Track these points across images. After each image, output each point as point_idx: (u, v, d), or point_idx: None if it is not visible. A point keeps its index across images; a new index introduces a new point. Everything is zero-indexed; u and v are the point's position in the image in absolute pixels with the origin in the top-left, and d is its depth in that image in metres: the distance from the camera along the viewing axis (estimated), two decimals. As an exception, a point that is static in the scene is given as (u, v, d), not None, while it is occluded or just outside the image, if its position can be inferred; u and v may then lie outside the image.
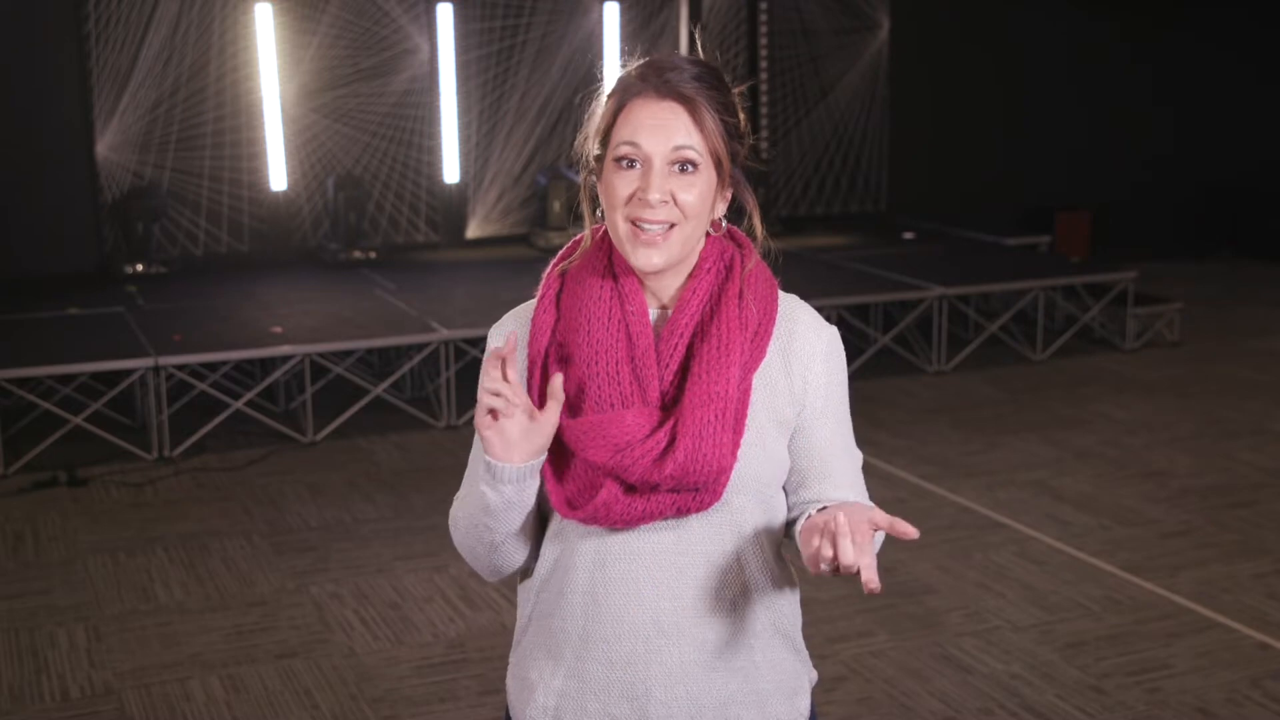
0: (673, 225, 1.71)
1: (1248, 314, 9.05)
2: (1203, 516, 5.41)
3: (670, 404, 1.73)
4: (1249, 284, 10.06)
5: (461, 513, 1.83)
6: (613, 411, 1.70)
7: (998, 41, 10.05)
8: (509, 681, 1.92)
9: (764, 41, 9.36)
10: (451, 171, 8.76)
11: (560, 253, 1.86)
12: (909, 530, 1.56)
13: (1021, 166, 10.26)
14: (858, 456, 1.88)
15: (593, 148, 1.77)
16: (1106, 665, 4.15)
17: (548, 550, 1.82)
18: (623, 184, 1.72)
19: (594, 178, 1.79)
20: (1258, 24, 10.76)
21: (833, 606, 4.49)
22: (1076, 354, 7.95)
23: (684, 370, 1.73)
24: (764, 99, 9.41)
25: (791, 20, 9.54)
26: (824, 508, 1.77)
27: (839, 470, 1.84)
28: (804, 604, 1.94)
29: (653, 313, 1.78)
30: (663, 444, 1.69)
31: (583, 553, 1.78)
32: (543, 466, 1.74)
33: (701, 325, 1.75)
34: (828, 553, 1.57)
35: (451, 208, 8.88)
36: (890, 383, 7.33)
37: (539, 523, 1.85)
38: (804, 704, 1.90)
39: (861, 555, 1.55)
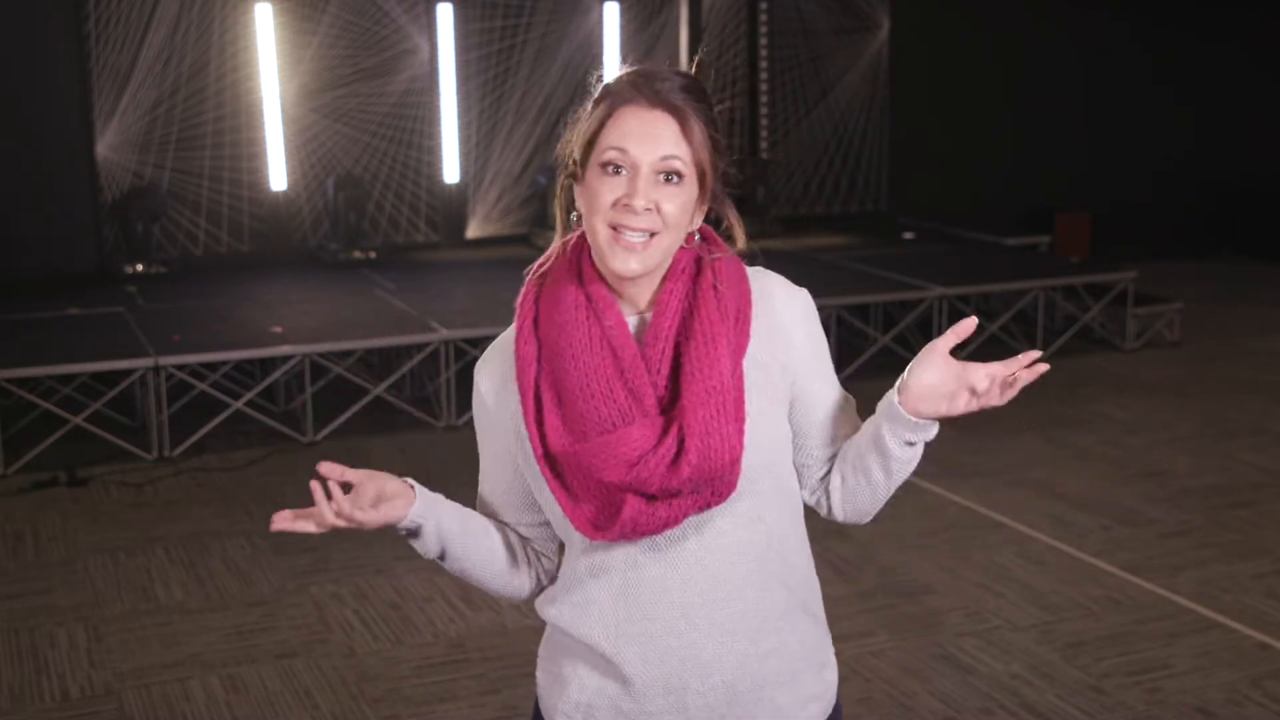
0: (654, 234, 1.72)
1: (1248, 314, 9.05)
2: (1203, 516, 5.40)
3: (668, 408, 1.73)
4: (1249, 284, 10.06)
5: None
6: (616, 431, 1.71)
7: (998, 41, 10.04)
8: (539, 674, 1.94)
9: (764, 41, 9.37)
10: (451, 171, 8.76)
11: (531, 271, 1.85)
12: (969, 324, 1.78)
13: (1022, 166, 10.26)
14: (850, 400, 1.91)
15: (575, 151, 1.76)
16: (1106, 665, 4.15)
17: (576, 562, 1.83)
18: (607, 189, 1.72)
19: (572, 181, 1.78)
20: (1260, 23, 10.76)
21: (833, 606, 4.47)
22: (1076, 354, 7.95)
23: (674, 371, 1.74)
24: (764, 99, 9.41)
25: (791, 20, 9.54)
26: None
27: (838, 420, 1.88)
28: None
29: (631, 320, 1.78)
30: (673, 450, 1.70)
31: (614, 560, 1.79)
32: (556, 494, 1.75)
33: (683, 324, 1.75)
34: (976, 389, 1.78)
35: (451, 208, 8.88)
36: (890, 383, 7.26)
37: (526, 553, 1.91)
38: (832, 676, 1.93)
39: (1006, 365, 1.77)
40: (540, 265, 1.84)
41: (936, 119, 9.99)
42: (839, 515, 1.91)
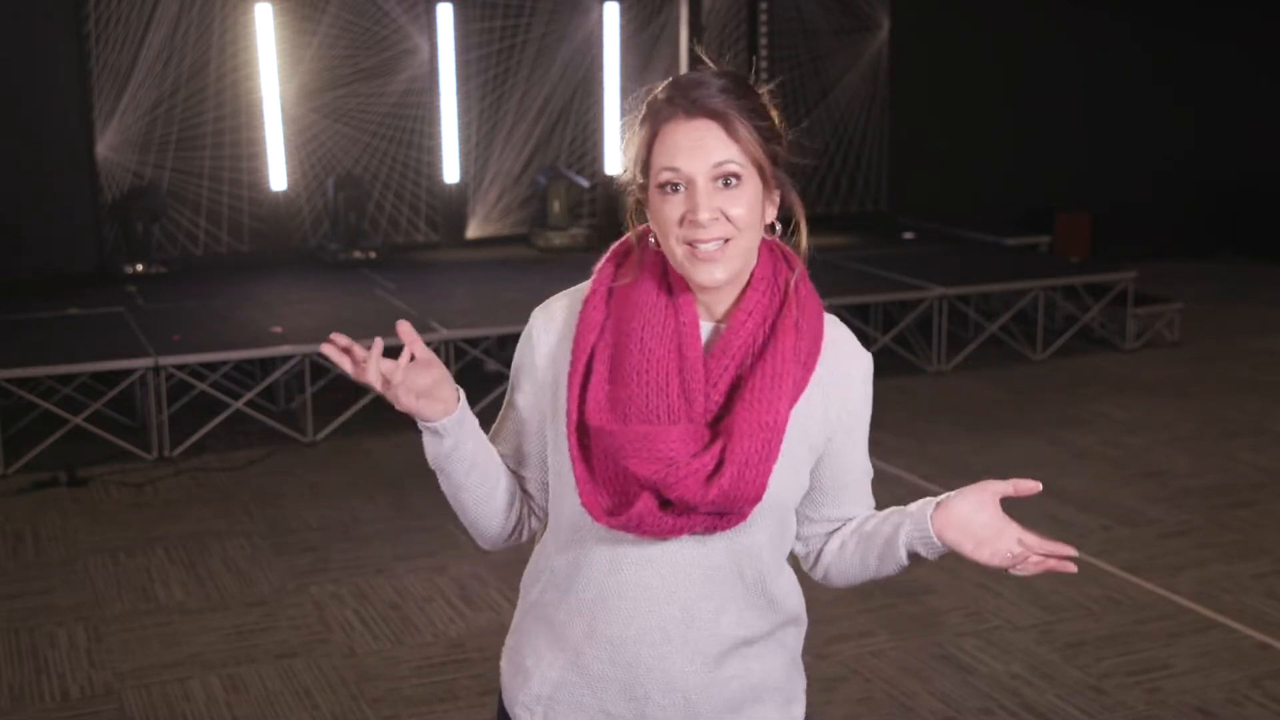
0: (728, 239, 1.71)
1: (1248, 314, 9.05)
2: (1203, 516, 5.41)
3: (713, 423, 1.72)
4: (1249, 284, 10.06)
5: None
6: (659, 425, 1.70)
7: (998, 41, 10.04)
8: (504, 664, 1.94)
9: (764, 41, 9.36)
10: (451, 171, 8.76)
11: (612, 250, 1.85)
12: (1034, 486, 1.75)
13: (1022, 166, 10.26)
14: (871, 472, 1.93)
15: (634, 177, 1.77)
16: (1106, 665, 4.15)
17: (565, 552, 1.83)
18: (671, 209, 1.71)
19: (640, 205, 1.78)
20: (1260, 23, 10.76)
21: (833, 606, 4.49)
22: (1076, 354, 7.95)
23: (728, 391, 1.73)
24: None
25: (791, 20, 9.54)
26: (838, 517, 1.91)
27: (859, 492, 1.90)
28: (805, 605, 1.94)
29: (705, 326, 1.78)
30: (710, 466, 1.69)
31: (599, 554, 1.79)
32: (576, 467, 1.75)
33: (754, 348, 1.74)
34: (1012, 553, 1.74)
35: (451, 208, 8.88)
36: (890, 383, 7.33)
37: (522, 504, 1.90)
38: (799, 711, 1.92)
39: (1042, 544, 1.73)
40: (622, 246, 1.83)
41: (936, 119, 9.99)
42: (819, 573, 1.94)
